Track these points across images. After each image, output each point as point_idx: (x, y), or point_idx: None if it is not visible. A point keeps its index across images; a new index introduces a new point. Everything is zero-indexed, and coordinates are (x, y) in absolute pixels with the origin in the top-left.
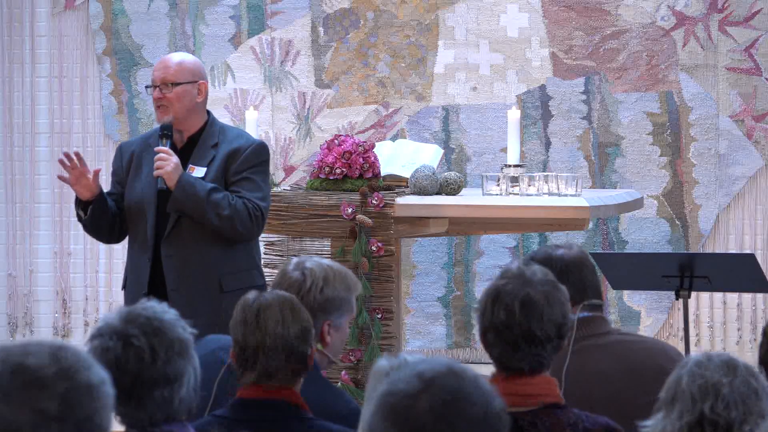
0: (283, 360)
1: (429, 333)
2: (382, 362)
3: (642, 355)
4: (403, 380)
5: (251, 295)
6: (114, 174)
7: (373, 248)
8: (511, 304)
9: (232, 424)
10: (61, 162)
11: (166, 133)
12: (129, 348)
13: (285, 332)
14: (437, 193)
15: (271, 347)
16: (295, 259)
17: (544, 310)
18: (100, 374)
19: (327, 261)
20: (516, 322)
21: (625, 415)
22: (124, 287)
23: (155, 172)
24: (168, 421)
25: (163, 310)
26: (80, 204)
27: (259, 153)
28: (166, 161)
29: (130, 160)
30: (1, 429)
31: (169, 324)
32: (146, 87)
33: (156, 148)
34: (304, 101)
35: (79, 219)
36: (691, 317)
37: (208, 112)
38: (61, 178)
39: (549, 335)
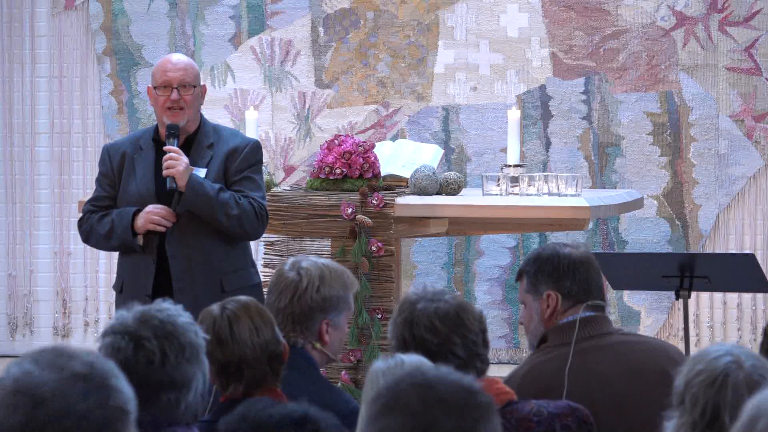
0: (266, 365)
1: None
2: (378, 364)
3: (643, 357)
4: (386, 382)
5: (214, 310)
6: (104, 177)
7: (373, 248)
8: (430, 323)
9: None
10: (162, 222)
11: (173, 132)
12: (140, 349)
13: (261, 339)
14: (437, 193)
15: (253, 357)
16: (291, 259)
17: (460, 313)
18: (128, 392)
19: (323, 260)
20: (444, 336)
21: (626, 416)
22: (120, 290)
23: (165, 172)
24: (172, 423)
25: (178, 313)
26: (134, 234)
27: (257, 152)
28: (178, 161)
29: (122, 162)
30: (31, 386)
31: (182, 328)
32: (154, 88)
33: (165, 148)
34: (304, 101)
35: (132, 248)
36: (691, 317)
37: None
38: (160, 226)
39: (476, 332)
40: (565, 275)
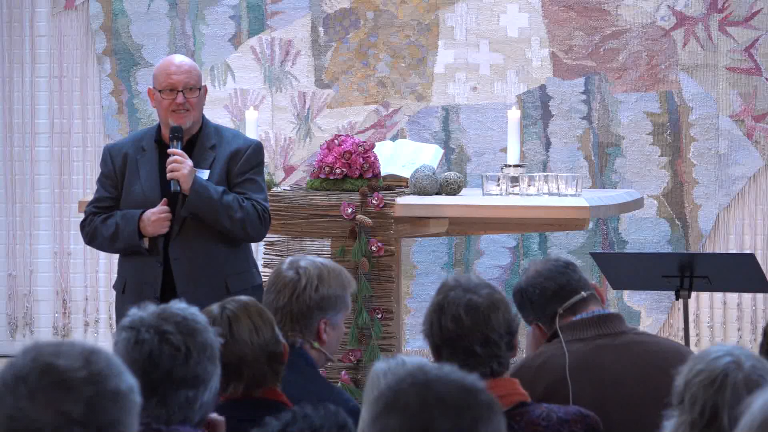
0: (266, 365)
1: None
2: (380, 365)
3: (656, 357)
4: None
5: (214, 310)
6: (106, 178)
7: (373, 248)
8: (457, 313)
9: None
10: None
11: (177, 135)
12: (165, 343)
13: (261, 339)
14: (437, 193)
15: (253, 357)
16: (289, 258)
17: (490, 311)
18: (129, 381)
19: (321, 259)
20: (466, 329)
21: (636, 415)
22: (122, 291)
23: (170, 174)
24: (185, 421)
25: (196, 313)
26: (141, 236)
27: (258, 153)
28: (182, 164)
29: (124, 162)
30: (23, 426)
31: (203, 327)
32: (159, 91)
33: (170, 150)
34: (304, 101)
35: (136, 250)
36: (691, 317)
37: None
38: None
39: (501, 333)
40: (522, 307)
